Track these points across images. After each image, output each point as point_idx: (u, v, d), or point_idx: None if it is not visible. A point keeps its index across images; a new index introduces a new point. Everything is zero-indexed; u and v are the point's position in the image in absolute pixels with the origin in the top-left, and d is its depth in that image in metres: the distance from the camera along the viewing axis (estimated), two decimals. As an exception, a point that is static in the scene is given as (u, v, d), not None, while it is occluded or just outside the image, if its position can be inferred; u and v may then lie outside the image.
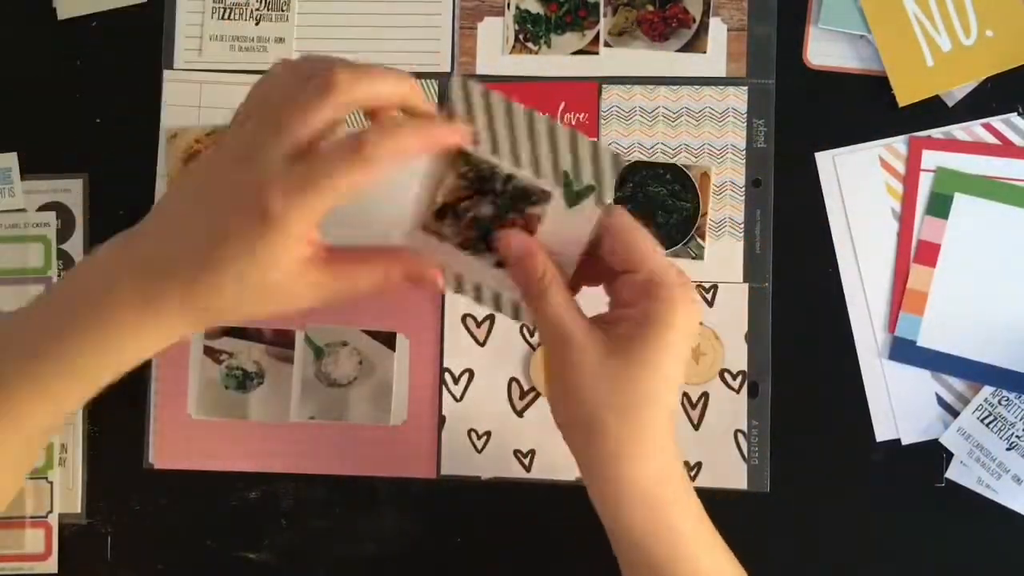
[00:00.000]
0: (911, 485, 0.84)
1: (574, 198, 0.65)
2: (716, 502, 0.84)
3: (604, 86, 0.87)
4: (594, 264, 0.66)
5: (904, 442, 0.84)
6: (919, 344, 0.84)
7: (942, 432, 0.84)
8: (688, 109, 0.86)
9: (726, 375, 0.85)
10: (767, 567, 0.83)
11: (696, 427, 0.85)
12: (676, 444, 0.66)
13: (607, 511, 0.68)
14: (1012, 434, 0.83)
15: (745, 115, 0.86)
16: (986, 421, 0.83)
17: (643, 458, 0.64)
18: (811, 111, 0.86)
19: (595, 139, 0.67)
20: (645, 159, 0.86)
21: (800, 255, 0.85)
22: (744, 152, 0.86)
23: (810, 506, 0.84)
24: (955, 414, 0.84)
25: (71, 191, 0.89)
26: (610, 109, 0.86)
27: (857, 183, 0.85)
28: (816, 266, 0.85)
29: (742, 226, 0.86)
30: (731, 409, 0.85)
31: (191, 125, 0.88)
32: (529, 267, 0.65)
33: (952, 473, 0.84)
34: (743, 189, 0.86)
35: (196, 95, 0.88)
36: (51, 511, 0.87)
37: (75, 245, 0.89)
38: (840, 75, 0.86)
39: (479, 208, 0.67)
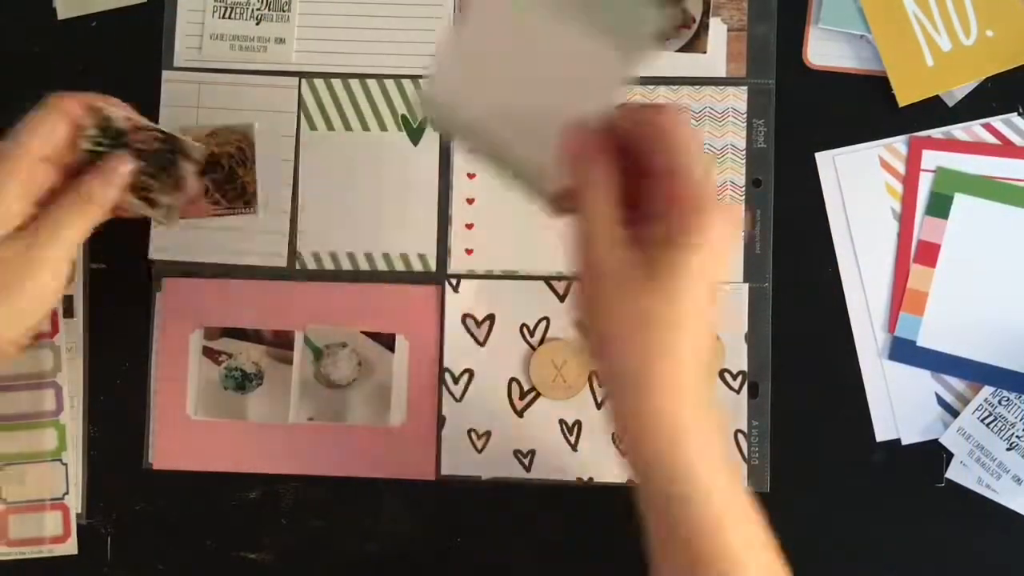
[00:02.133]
0: (911, 485, 0.84)
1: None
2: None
3: (604, 86, 0.86)
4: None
5: (904, 442, 0.84)
6: (919, 344, 0.84)
7: (942, 432, 0.84)
8: (688, 109, 0.86)
9: (726, 375, 0.85)
10: (767, 567, 0.83)
11: (696, 427, 0.85)
12: (705, 382, 0.62)
13: (624, 442, 0.64)
14: (1012, 434, 0.83)
15: (745, 115, 0.86)
16: (986, 421, 0.83)
17: (661, 389, 0.60)
18: (811, 111, 0.86)
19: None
20: (645, 159, 0.86)
21: (800, 255, 0.85)
22: (744, 152, 0.86)
23: (810, 506, 0.84)
24: (955, 414, 0.84)
25: (70, 191, 0.89)
26: (610, 109, 0.86)
27: (857, 183, 0.85)
28: (816, 266, 0.85)
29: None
30: (731, 409, 0.85)
31: (190, 125, 0.88)
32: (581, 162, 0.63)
33: (952, 473, 0.84)
34: (743, 189, 0.86)
35: (195, 95, 0.88)
36: (67, 492, 0.87)
37: (74, 245, 0.88)
38: (840, 75, 0.86)
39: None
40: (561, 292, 0.86)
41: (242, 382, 0.87)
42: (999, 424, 0.83)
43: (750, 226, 0.85)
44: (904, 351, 0.84)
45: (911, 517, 0.84)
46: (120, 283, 0.88)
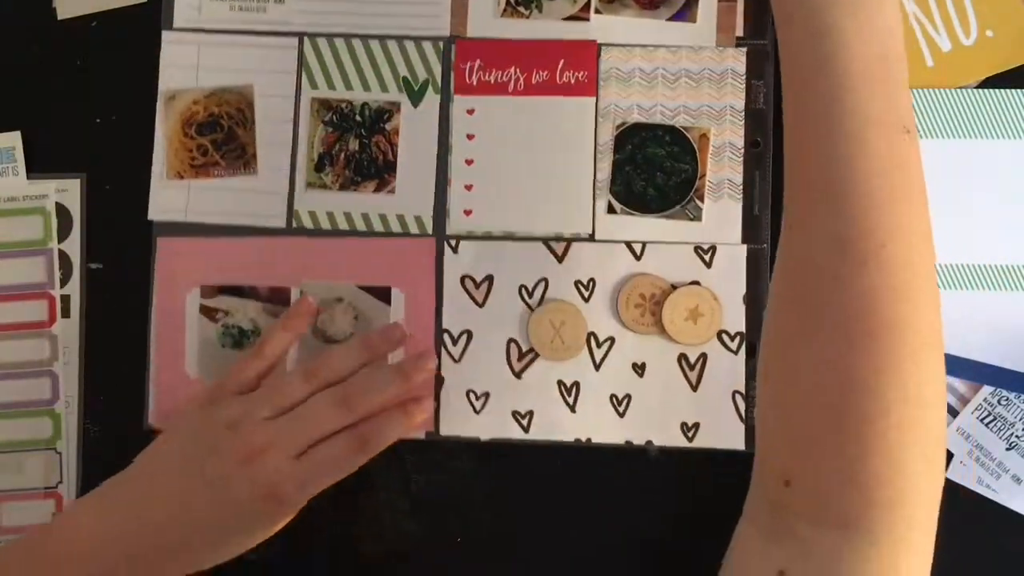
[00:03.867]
0: (911, 482, 0.84)
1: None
2: (714, 463, 0.84)
3: (603, 47, 0.87)
4: None
5: (904, 440, 0.84)
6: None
7: (941, 432, 0.83)
8: (687, 71, 0.86)
9: (724, 336, 0.85)
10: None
11: (694, 388, 0.84)
12: None
13: None
14: (1012, 434, 0.83)
15: (744, 76, 0.86)
16: (985, 421, 0.83)
17: None
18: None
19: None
20: (644, 121, 0.86)
21: (799, 217, 0.85)
22: (743, 113, 0.86)
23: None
24: (955, 414, 0.84)
25: (69, 191, 0.89)
26: (609, 70, 0.86)
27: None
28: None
29: (740, 188, 0.85)
30: (729, 370, 0.85)
31: (189, 86, 0.88)
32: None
33: (952, 473, 0.83)
34: (742, 151, 0.86)
35: (194, 56, 0.88)
36: (61, 481, 0.87)
37: (72, 245, 0.89)
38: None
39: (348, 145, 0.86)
40: (559, 253, 0.86)
41: (239, 339, 0.87)
42: (998, 424, 0.83)
43: None
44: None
45: (911, 513, 0.83)
46: (119, 283, 0.88)
